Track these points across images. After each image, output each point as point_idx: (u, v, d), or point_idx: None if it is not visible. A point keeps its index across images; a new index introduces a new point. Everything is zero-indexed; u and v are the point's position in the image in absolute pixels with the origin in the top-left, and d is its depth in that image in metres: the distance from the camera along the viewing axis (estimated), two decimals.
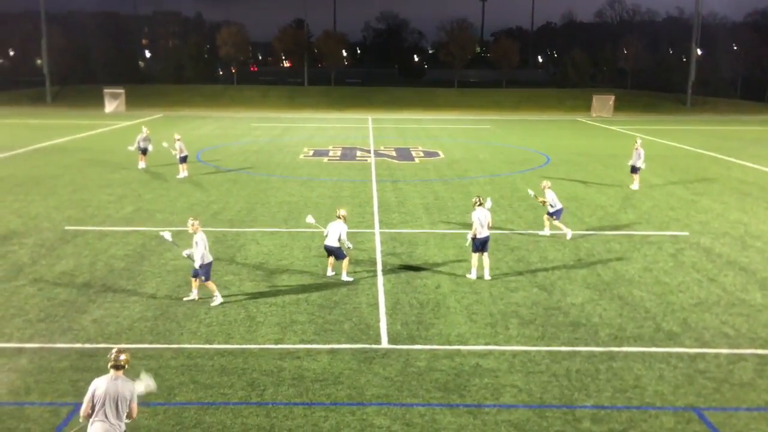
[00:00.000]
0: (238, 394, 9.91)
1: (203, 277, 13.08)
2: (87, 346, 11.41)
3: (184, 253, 13.28)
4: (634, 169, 25.36)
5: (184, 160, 26.78)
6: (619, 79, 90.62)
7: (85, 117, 54.72)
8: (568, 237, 18.32)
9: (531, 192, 19.99)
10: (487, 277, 14.96)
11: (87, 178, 26.71)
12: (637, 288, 14.65)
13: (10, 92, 76.38)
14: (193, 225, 13.23)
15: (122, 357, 7.46)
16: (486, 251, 15.04)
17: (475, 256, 15.01)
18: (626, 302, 13.81)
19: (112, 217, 20.26)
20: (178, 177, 26.45)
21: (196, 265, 12.99)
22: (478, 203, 15.09)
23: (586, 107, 65.91)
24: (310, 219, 15.80)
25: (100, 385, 7.36)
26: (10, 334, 11.86)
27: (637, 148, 25.38)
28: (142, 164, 28.51)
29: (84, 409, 7.35)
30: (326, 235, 14.75)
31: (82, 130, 44.10)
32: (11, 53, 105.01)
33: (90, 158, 31.84)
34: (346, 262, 14.76)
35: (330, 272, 15.12)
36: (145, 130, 28.77)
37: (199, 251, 12.85)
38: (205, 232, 18.73)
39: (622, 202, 23.27)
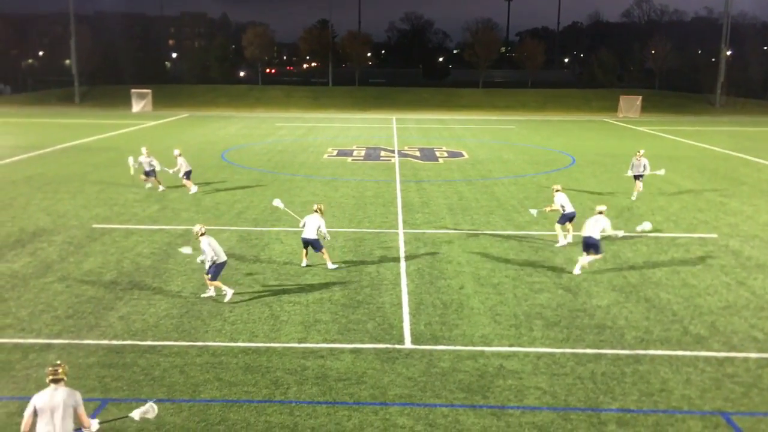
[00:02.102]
0: (261, 392, 9.95)
1: (210, 276, 13.35)
2: (114, 342, 11.55)
3: (198, 260, 13.65)
4: (637, 177, 23.63)
5: (188, 175, 24.18)
6: (646, 79, 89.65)
7: (112, 117, 55.45)
8: (561, 244, 17.40)
9: (533, 211, 18.82)
10: (576, 271, 15.40)
11: (114, 176, 27.04)
12: (664, 290, 14.46)
13: (40, 92, 77.76)
14: (198, 233, 13.40)
15: (60, 370, 7.29)
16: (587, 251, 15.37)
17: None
18: (653, 305, 13.63)
19: (139, 216, 20.49)
20: (190, 193, 23.78)
21: (205, 264, 13.38)
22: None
23: (613, 108, 65.27)
24: (277, 202, 16.95)
25: (40, 399, 7.22)
26: (39, 329, 12.04)
27: (639, 158, 23.50)
28: (160, 187, 24.46)
29: (24, 424, 7.17)
30: (303, 227, 15.40)
31: (110, 130, 44.68)
32: (41, 54, 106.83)
33: (117, 157, 32.21)
34: (325, 252, 15.48)
35: (304, 263, 15.68)
36: (144, 150, 24.46)
37: (208, 255, 13.18)
38: (229, 231, 18.92)
39: (648, 204, 22.98)
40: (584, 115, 63.81)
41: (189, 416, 9.28)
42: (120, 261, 16.01)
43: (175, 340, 11.64)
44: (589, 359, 11.16)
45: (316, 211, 15.47)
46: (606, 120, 58.91)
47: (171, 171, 24.15)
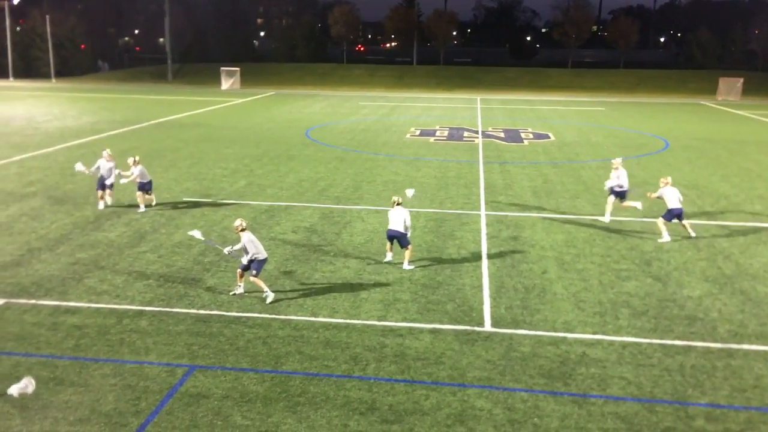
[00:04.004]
0: (341, 367, 10.09)
1: (254, 272, 12.41)
2: (201, 312, 11.96)
3: (225, 250, 12.81)
4: (620, 194, 17.72)
5: (144, 187, 18.51)
6: (749, 61, 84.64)
7: (202, 94, 57.16)
8: (663, 239, 16.16)
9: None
10: None
11: (203, 152, 27.89)
12: (761, 283, 13.71)
13: (135, 69, 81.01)
14: (238, 227, 12.33)
15: None
16: None
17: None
18: (749, 298, 12.96)
19: (226, 191, 21.08)
20: (139, 211, 18.42)
21: (245, 261, 12.38)
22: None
23: (711, 90, 62.12)
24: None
25: None
26: (133, 296, 12.61)
27: (616, 168, 17.69)
28: (101, 204, 18.74)
29: None
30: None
31: (200, 107, 46.09)
32: (137, 32, 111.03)
33: (206, 133, 33.22)
34: (409, 250, 14.23)
35: (388, 257, 14.62)
36: (106, 154, 18.88)
37: (250, 251, 12.26)
38: (312, 208, 19.20)
39: (747, 192, 21.81)
40: (680, 97, 61.05)
41: (271, 386, 9.52)
42: (208, 234, 16.51)
43: (259, 313, 11.94)
44: (678, 351, 10.73)
45: (398, 204, 14.18)
46: (703, 103, 56.16)
47: (121, 179, 18.62)
